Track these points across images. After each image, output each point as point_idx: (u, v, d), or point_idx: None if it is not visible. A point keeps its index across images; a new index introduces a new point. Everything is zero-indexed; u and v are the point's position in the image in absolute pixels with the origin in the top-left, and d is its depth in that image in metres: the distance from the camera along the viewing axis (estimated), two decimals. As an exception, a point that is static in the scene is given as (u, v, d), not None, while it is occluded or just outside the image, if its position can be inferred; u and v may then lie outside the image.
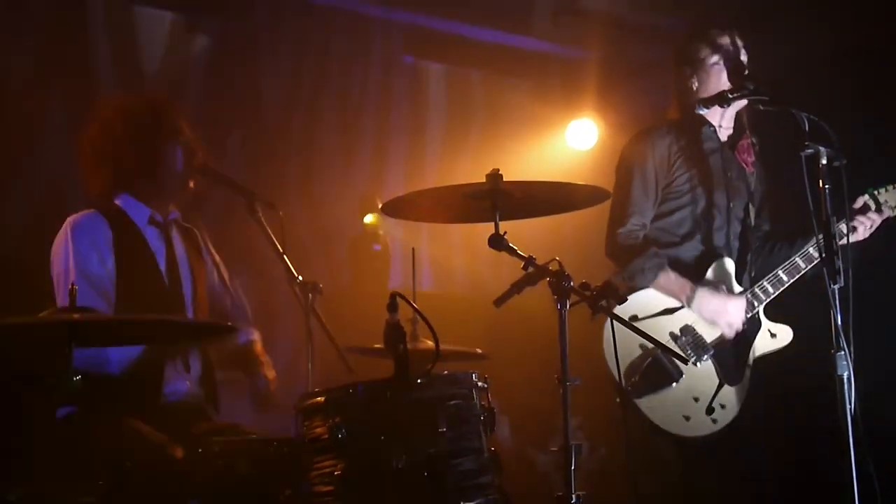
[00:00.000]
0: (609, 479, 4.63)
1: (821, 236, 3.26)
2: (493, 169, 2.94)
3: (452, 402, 2.71)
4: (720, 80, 3.83)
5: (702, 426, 3.70)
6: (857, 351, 3.17)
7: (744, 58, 3.85)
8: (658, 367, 3.67)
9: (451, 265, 6.06)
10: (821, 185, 3.28)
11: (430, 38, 5.99)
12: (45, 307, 3.31)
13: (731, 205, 3.92)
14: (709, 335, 3.80)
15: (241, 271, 3.92)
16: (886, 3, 4.89)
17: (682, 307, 3.80)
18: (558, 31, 5.98)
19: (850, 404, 3.13)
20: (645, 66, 5.89)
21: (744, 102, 3.84)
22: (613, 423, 3.87)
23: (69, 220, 3.45)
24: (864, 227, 3.90)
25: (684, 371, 3.70)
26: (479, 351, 4.01)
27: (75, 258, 3.35)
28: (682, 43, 4.00)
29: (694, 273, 3.84)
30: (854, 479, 3.09)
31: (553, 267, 2.91)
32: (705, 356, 3.77)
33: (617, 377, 3.55)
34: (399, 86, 6.01)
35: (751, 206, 3.97)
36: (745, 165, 3.98)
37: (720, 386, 3.75)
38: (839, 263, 3.22)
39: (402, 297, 2.69)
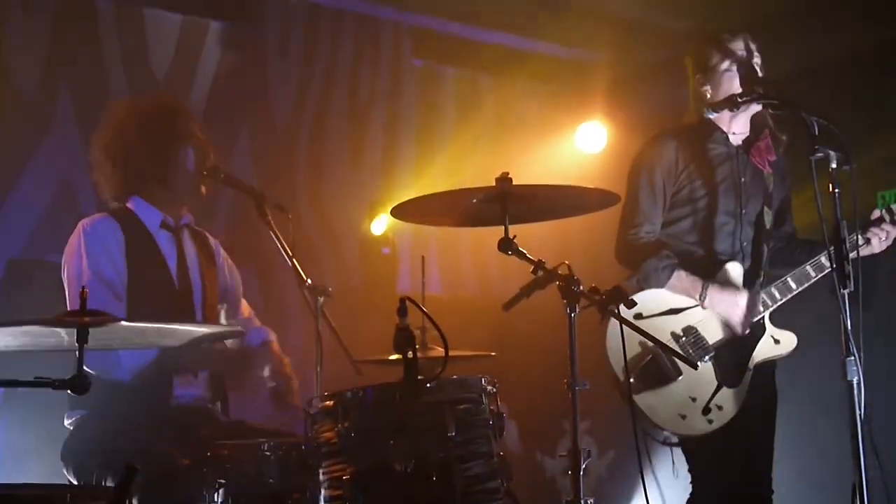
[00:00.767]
0: (618, 484, 4.62)
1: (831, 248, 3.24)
2: (503, 172, 2.94)
3: (461, 407, 2.71)
4: (732, 86, 3.81)
5: (697, 426, 3.70)
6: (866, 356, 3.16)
7: (757, 61, 3.84)
8: (657, 365, 3.68)
9: (461, 269, 6.06)
10: (830, 188, 3.27)
11: (439, 42, 5.99)
12: (56, 307, 3.33)
13: (744, 210, 3.90)
14: (711, 336, 3.80)
15: (250, 274, 3.93)
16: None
17: (687, 308, 3.80)
18: (567, 34, 5.98)
19: (860, 409, 3.12)
20: (654, 68, 5.88)
21: (756, 108, 3.83)
22: (622, 427, 3.86)
23: (81, 223, 3.46)
24: (879, 240, 3.87)
25: (683, 371, 3.70)
26: (490, 353, 4.01)
27: (88, 262, 3.36)
28: (694, 50, 3.99)
29: (703, 277, 3.83)
30: (864, 484, 3.08)
31: (562, 271, 2.91)
32: (706, 357, 3.76)
33: (621, 377, 3.57)
34: (408, 89, 6.01)
35: (766, 209, 3.95)
36: (762, 167, 3.96)
37: (718, 387, 3.75)
38: (849, 268, 3.21)
39: (413, 301, 2.69)
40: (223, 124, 5.14)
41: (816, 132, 3.32)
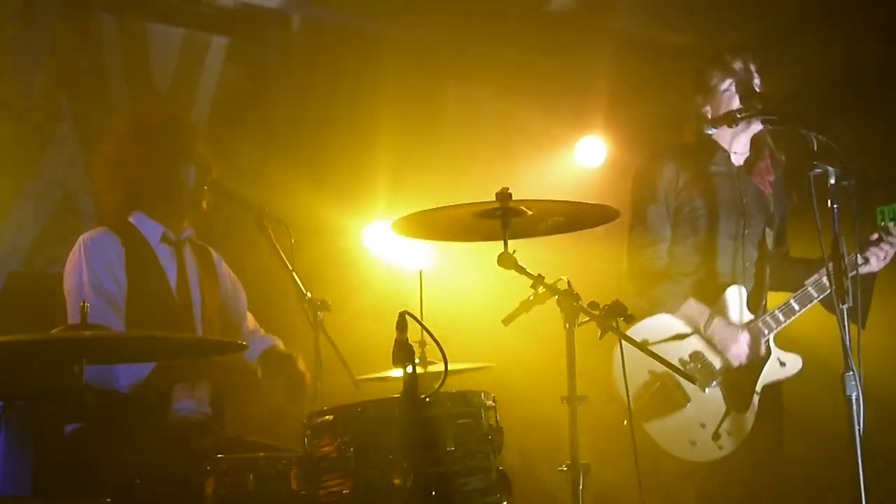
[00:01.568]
0: (617, 499, 4.61)
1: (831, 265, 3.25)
2: (503, 188, 2.95)
3: (460, 422, 2.71)
4: (732, 105, 3.82)
5: (708, 452, 3.71)
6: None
7: (756, 81, 3.85)
8: (667, 392, 3.68)
9: (460, 283, 6.06)
10: (829, 204, 3.28)
11: (439, 56, 6.00)
12: (57, 319, 3.34)
13: (746, 231, 3.91)
14: (717, 362, 3.80)
15: (249, 288, 3.94)
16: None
17: (692, 333, 3.80)
18: (568, 48, 6.00)
19: (859, 425, 3.12)
20: (654, 83, 5.90)
21: (757, 128, 3.85)
22: (622, 442, 3.86)
23: (82, 237, 3.47)
24: (877, 259, 3.88)
25: (692, 397, 3.70)
26: (489, 365, 4.00)
27: (89, 275, 3.37)
28: (694, 71, 4.01)
29: (707, 300, 3.84)
30: (863, 498, 3.08)
31: (561, 286, 2.92)
32: (713, 382, 3.76)
33: (626, 399, 3.56)
34: (409, 103, 6.02)
35: (768, 230, 3.96)
36: (764, 187, 3.97)
37: (727, 412, 3.75)
38: (847, 283, 3.22)
39: (412, 315, 2.70)
40: (224, 138, 5.16)
41: (815, 148, 3.34)
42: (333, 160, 5.76)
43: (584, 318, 2.92)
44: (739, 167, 3.96)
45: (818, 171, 3.31)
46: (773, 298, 4.05)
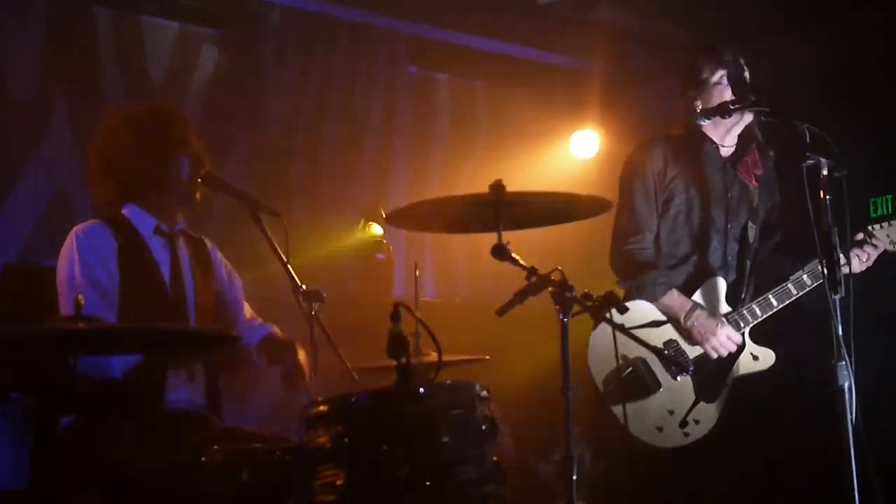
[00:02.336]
0: (611, 489, 4.63)
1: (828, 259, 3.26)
2: (497, 179, 2.96)
3: (455, 412, 2.71)
4: (723, 97, 3.84)
5: (673, 438, 3.75)
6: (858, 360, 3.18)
7: (747, 74, 3.86)
8: (637, 377, 3.71)
9: (454, 274, 6.07)
10: (822, 195, 3.29)
11: (434, 48, 6.01)
12: (51, 312, 3.34)
13: (730, 225, 3.93)
14: (691, 351, 3.83)
15: (243, 280, 3.94)
16: (888, 17, 4.91)
17: (668, 322, 3.83)
18: (562, 42, 6.00)
19: (851, 414, 3.14)
20: (648, 75, 5.92)
21: (748, 120, 3.86)
22: (616, 432, 3.88)
23: (75, 229, 3.47)
24: (860, 261, 3.90)
25: (663, 384, 3.73)
26: (484, 357, 4.02)
27: (81, 267, 3.37)
28: (686, 64, 4.02)
29: (686, 292, 3.86)
30: (856, 489, 3.10)
31: (555, 277, 2.92)
32: (686, 371, 3.79)
33: (602, 388, 3.66)
34: (403, 95, 6.03)
35: (750, 223, 3.97)
36: (748, 182, 3.99)
37: (696, 402, 3.78)
38: (839, 274, 3.23)
39: (406, 306, 2.70)
40: (219, 130, 5.16)
41: (808, 139, 3.35)
42: (328, 152, 5.77)
43: (577, 308, 2.92)
44: (726, 160, 3.97)
45: (811, 162, 3.32)
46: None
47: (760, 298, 3.88)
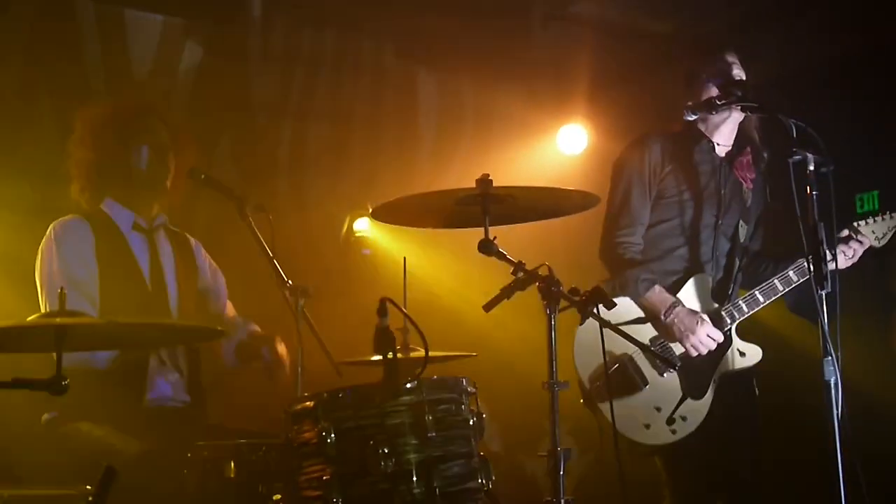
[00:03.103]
0: (598, 484, 4.64)
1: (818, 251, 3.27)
2: (483, 174, 2.95)
3: (441, 407, 2.71)
4: (711, 94, 3.84)
5: (660, 435, 3.75)
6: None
7: (738, 71, 3.87)
8: (623, 373, 3.71)
9: (441, 270, 6.06)
10: (808, 191, 3.30)
11: (420, 43, 5.99)
12: (32, 310, 3.31)
13: (720, 222, 3.94)
14: (678, 347, 3.83)
15: (229, 275, 3.93)
16: (876, 13, 4.92)
17: (652, 319, 3.83)
18: (549, 36, 5.99)
19: (837, 409, 3.15)
20: (635, 71, 5.91)
21: (739, 118, 3.88)
22: (602, 427, 3.88)
23: (53, 225, 3.47)
24: (846, 257, 3.92)
25: (650, 380, 3.74)
26: (471, 354, 4.02)
27: (59, 263, 3.36)
28: (676, 60, 4.04)
29: (673, 286, 3.87)
30: (841, 483, 3.11)
31: (542, 272, 2.92)
32: (672, 367, 3.79)
33: (587, 384, 3.68)
34: (389, 90, 6.01)
35: (742, 222, 3.98)
36: (743, 181, 4.00)
37: (683, 398, 3.78)
38: (826, 269, 3.24)
39: (392, 302, 2.70)
40: (204, 126, 5.13)
41: (794, 134, 3.35)
42: (314, 147, 5.75)
43: (564, 303, 2.92)
44: (722, 158, 3.98)
45: (797, 157, 3.32)
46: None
47: (747, 295, 3.89)
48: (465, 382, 2.81)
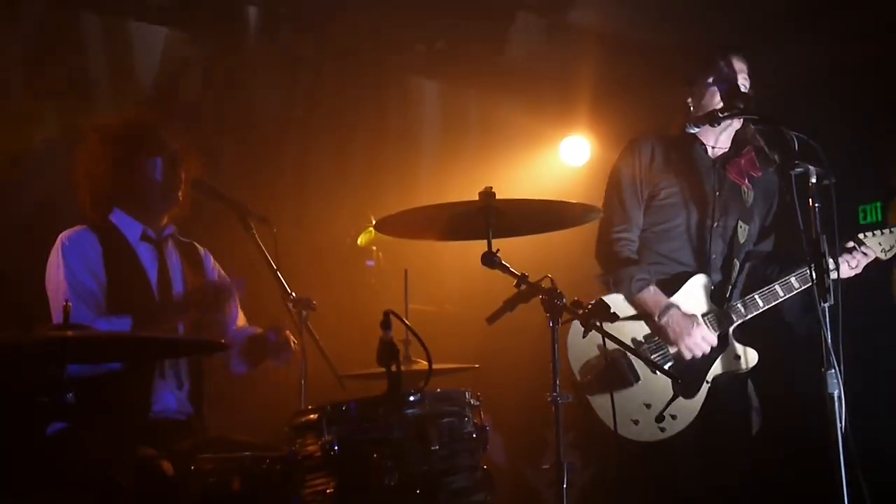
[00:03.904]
0: (601, 496, 4.64)
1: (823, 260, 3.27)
2: (486, 187, 2.96)
3: (445, 420, 2.72)
4: (713, 101, 3.86)
5: (649, 432, 3.74)
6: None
7: (742, 80, 3.88)
8: (615, 368, 3.70)
9: (444, 282, 6.06)
10: (811, 203, 3.30)
11: (424, 55, 6.00)
12: (39, 321, 3.33)
13: (716, 224, 3.94)
14: (671, 346, 3.83)
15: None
16: (880, 23, 4.93)
17: (646, 317, 3.84)
18: (552, 48, 6.01)
19: (841, 422, 3.15)
20: (638, 82, 5.92)
21: (738, 125, 3.88)
22: (606, 439, 3.88)
23: (61, 236, 3.49)
24: (849, 267, 3.92)
25: (642, 377, 3.73)
26: (474, 366, 4.02)
27: (66, 271, 3.37)
28: (680, 63, 4.05)
29: (669, 288, 3.87)
30: (845, 495, 3.10)
31: (545, 284, 2.93)
32: (665, 366, 3.79)
33: (578, 377, 3.67)
34: (393, 102, 6.02)
35: (741, 223, 3.98)
36: (740, 182, 4.00)
37: (674, 397, 3.78)
38: (829, 281, 3.24)
39: (396, 314, 2.70)
40: (208, 137, 5.14)
41: (797, 147, 3.36)
42: (317, 159, 5.76)
43: (568, 316, 2.93)
44: (715, 160, 3.99)
45: (800, 170, 3.33)
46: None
47: (746, 298, 3.89)
48: (468, 395, 2.81)
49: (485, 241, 2.97)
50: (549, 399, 2.89)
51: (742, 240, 3.98)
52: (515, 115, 6.32)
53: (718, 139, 3.97)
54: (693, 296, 3.88)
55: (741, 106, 3.68)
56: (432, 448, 2.64)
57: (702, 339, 3.79)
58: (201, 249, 3.80)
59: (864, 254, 3.93)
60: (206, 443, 3.34)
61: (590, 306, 2.96)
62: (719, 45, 4.00)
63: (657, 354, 3.80)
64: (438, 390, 2.77)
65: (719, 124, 3.80)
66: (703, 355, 3.82)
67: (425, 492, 2.60)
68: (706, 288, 3.90)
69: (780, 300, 3.88)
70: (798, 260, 3.79)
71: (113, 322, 3.30)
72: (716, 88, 3.87)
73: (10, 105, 4.78)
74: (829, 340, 3.18)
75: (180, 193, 3.61)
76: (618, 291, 3.85)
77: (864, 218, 4.76)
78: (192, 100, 5.35)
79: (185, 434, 3.41)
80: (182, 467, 2.85)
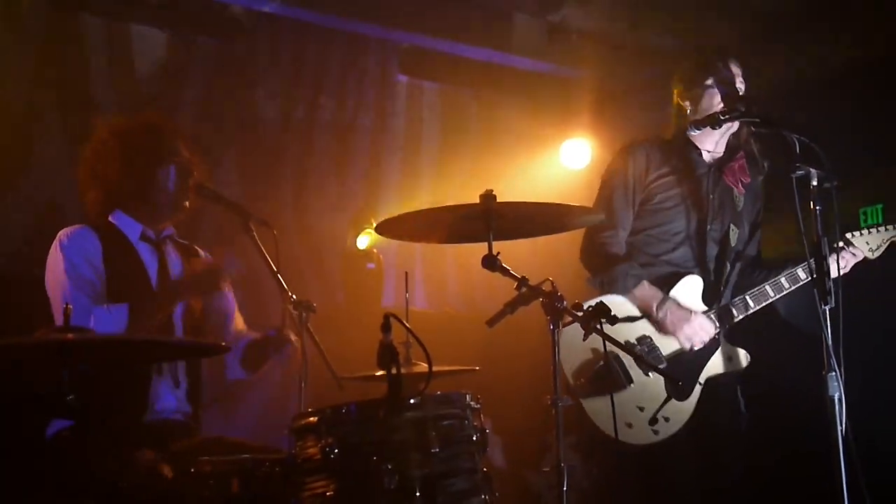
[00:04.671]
0: (601, 499, 4.63)
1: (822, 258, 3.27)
2: (487, 189, 2.96)
3: (445, 423, 2.71)
4: (712, 103, 3.87)
5: (642, 435, 3.73)
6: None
7: (739, 83, 3.88)
8: (608, 371, 3.69)
9: (445, 285, 6.07)
10: (812, 206, 3.30)
11: (424, 58, 6.01)
12: (42, 321, 3.33)
13: (710, 227, 3.95)
14: (665, 348, 3.83)
15: (233, 289, 3.94)
16: (880, 25, 4.93)
17: (642, 317, 3.84)
18: (553, 51, 6.01)
19: (841, 425, 3.14)
20: (638, 85, 5.93)
21: (735, 127, 3.88)
22: (607, 442, 3.87)
23: (60, 233, 3.49)
24: (838, 268, 3.91)
25: (635, 379, 3.73)
26: (474, 368, 4.02)
27: (66, 265, 3.37)
28: (679, 65, 4.05)
29: (662, 287, 3.88)
30: (845, 499, 3.10)
31: (546, 287, 2.93)
32: (658, 367, 3.79)
33: (572, 380, 3.67)
34: (393, 105, 6.03)
35: (733, 227, 3.99)
36: (734, 186, 4.01)
37: (667, 399, 3.77)
38: (829, 284, 3.24)
39: (396, 317, 2.69)
40: (209, 140, 5.15)
41: (798, 150, 3.36)
42: (318, 162, 5.77)
43: (568, 318, 2.93)
44: (710, 164, 4.00)
45: (800, 173, 3.33)
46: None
47: (737, 299, 3.89)
48: (468, 398, 2.81)
49: (485, 244, 2.97)
50: (549, 402, 2.89)
51: (733, 243, 3.99)
52: (516, 118, 6.33)
53: (713, 143, 3.98)
54: (687, 295, 3.88)
55: (742, 108, 3.68)
56: (432, 451, 2.64)
57: (700, 328, 3.79)
58: (201, 251, 3.81)
59: (853, 254, 3.93)
60: (205, 445, 3.34)
61: (590, 308, 2.96)
62: (714, 48, 4.00)
63: (650, 356, 3.80)
64: (438, 393, 2.77)
65: (721, 126, 3.80)
66: (695, 356, 3.81)
67: (425, 494, 2.60)
68: (699, 288, 3.90)
69: (771, 300, 3.89)
70: (788, 262, 3.81)
71: (111, 310, 3.30)
72: (714, 91, 3.87)
73: (12, 105, 4.79)
74: (830, 343, 3.18)
75: (187, 203, 3.61)
76: (611, 291, 3.84)
77: (866, 220, 4.74)
78: (192, 102, 5.36)
79: (183, 434, 3.41)
80: (181, 470, 2.85)
